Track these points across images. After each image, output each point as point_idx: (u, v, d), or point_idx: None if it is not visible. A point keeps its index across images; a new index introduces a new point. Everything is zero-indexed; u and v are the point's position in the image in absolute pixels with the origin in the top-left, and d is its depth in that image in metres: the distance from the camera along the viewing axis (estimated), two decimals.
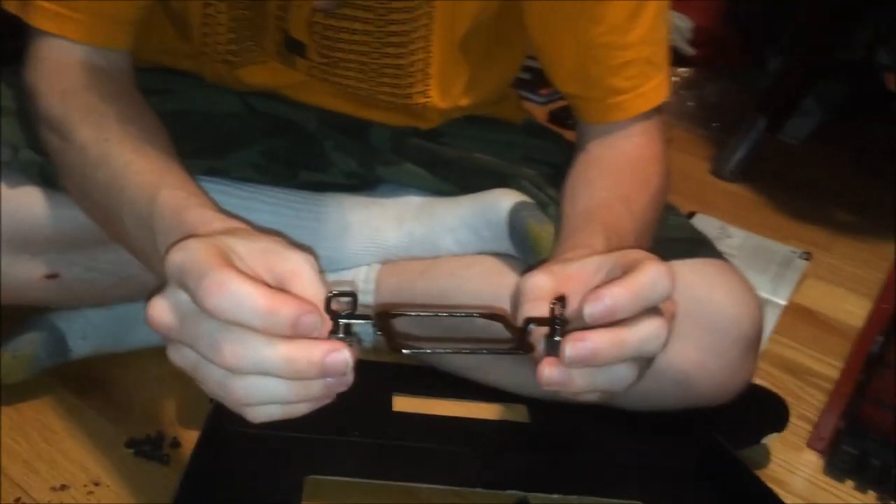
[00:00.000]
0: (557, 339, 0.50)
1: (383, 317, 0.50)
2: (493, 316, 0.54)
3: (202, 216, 0.53)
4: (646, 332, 0.51)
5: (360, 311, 0.48)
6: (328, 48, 0.77)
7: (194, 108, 0.82)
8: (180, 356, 0.47)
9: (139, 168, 0.60)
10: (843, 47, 1.67)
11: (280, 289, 0.47)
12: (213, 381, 0.46)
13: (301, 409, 0.47)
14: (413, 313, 0.60)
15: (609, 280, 0.51)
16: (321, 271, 0.49)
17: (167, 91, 0.81)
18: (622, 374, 0.52)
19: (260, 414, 0.47)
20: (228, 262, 0.46)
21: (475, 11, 0.77)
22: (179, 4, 0.77)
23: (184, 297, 0.46)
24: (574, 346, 0.49)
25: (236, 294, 0.44)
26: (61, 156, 0.66)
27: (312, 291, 0.47)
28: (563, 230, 0.71)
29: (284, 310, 0.44)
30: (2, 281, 0.72)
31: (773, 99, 1.52)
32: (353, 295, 0.48)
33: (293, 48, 0.78)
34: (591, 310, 0.49)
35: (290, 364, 0.45)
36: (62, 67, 0.68)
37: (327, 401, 0.48)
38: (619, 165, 0.76)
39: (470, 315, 0.52)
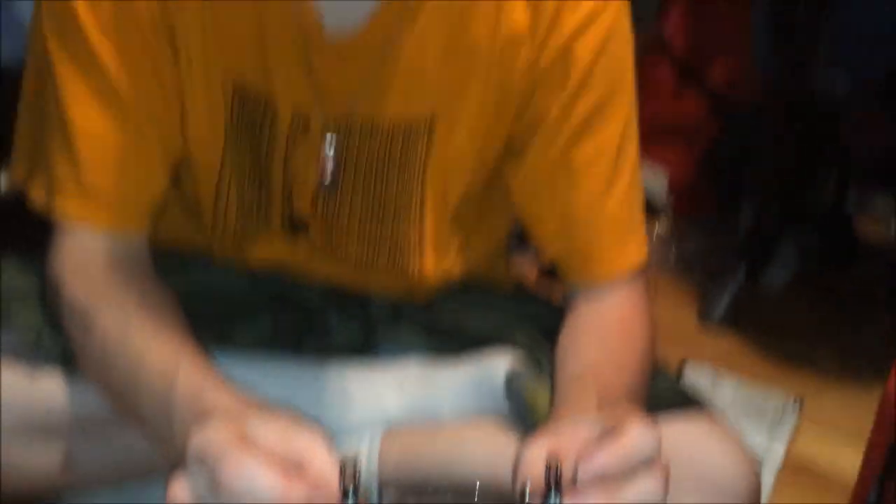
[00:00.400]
0: (556, 502, 0.53)
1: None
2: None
3: (218, 398, 0.56)
4: (642, 488, 0.53)
5: (366, 478, 0.51)
6: (330, 224, 0.82)
7: (203, 287, 0.86)
8: None
9: (156, 354, 0.63)
10: (813, 196, 1.75)
11: (297, 464, 0.49)
12: None
13: None
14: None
15: (599, 442, 0.54)
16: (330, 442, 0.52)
17: (177, 271, 0.85)
18: None
19: None
20: (246, 442, 0.48)
21: (466, 183, 0.83)
22: (192, 188, 0.82)
23: (204, 476, 0.48)
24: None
25: (252, 476, 0.46)
26: (83, 344, 0.70)
27: (327, 468, 0.50)
28: (557, 396, 0.74)
29: (297, 492, 0.46)
30: (17, 468, 0.73)
31: (751, 248, 1.58)
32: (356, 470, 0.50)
33: (297, 225, 0.83)
34: (583, 474, 0.52)
35: None
36: (85, 257, 0.73)
37: None
38: (607, 327, 0.80)
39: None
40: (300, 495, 0.47)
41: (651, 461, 0.54)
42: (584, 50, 0.76)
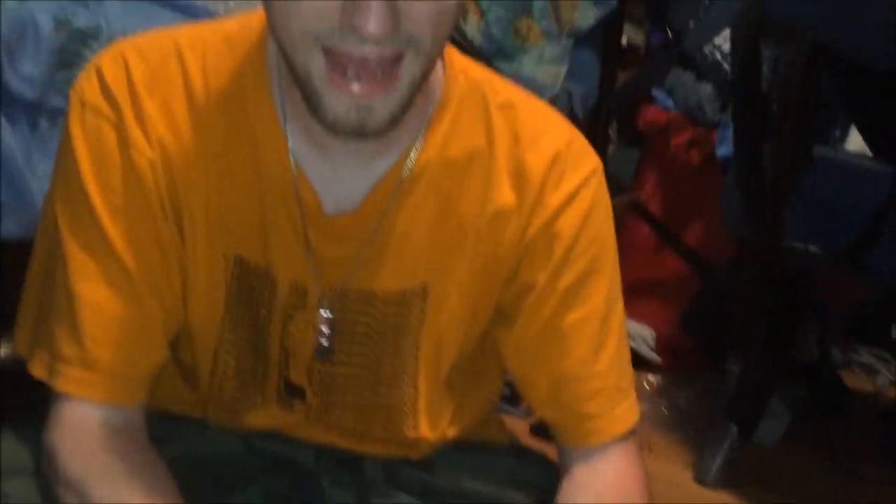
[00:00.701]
0: None
1: None
2: None
3: None
4: None
5: None
6: (325, 391, 0.83)
7: (198, 453, 0.85)
8: None
9: None
10: (798, 349, 1.77)
11: None
12: None
13: None
14: None
15: None
16: None
17: (172, 439, 0.84)
18: None
19: None
20: None
21: (458, 348, 0.84)
22: (189, 356, 0.84)
23: None
24: None
25: None
26: None
27: None
28: None
29: None
30: None
31: (740, 406, 1.59)
32: None
33: (293, 393, 0.83)
34: None
35: None
36: (82, 429, 0.73)
37: None
38: (603, 491, 0.80)
39: None
40: None
41: None
42: (568, 225, 0.79)
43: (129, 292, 0.74)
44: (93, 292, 0.73)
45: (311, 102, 0.67)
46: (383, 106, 0.66)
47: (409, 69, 0.66)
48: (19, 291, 0.80)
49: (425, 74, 0.69)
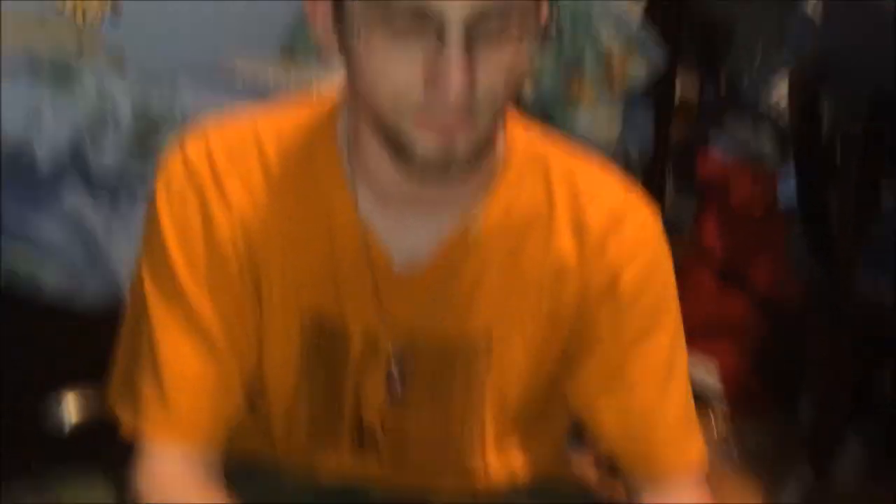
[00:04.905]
0: None
1: None
2: None
3: None
4: None
5: None
6: (397, 440, 0.86)
7: (270, 499, 0.88)
8: None
9: None
10: (873, 387, 1.73)
11: None
12: None
13: None
14: None
15: None
16: None
17: (245, 482, 0.87)
18: None
19: None
20: None
21: (523, 395, 0.87)
22: (265, 407, 0.88)
23: None
24: None
25: None
26: None
27: None
28: None
29: None
30: None
31: (815, 445, 1.55)
32: None
33: (366, 442, 0.87)
34: None
35: None
36: (164, 476, 0.78)
37: None
38: None
39: None
40: None
41: None
42: (630, 278, 0.82)
43: (208, 349, 0.79)
44: (175, 349, 0.79)
45: (399, 144, 0.71)
46: (466, 140, 0.70)
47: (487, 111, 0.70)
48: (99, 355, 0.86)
49: (501, 113, 0.74)
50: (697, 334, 1.98)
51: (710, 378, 1.96)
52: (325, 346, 0.84)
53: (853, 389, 1.62)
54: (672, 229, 0.88)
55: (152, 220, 0.81)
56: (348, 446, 0.88)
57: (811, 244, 1.69)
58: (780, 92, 2.17)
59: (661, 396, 0.84)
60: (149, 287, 0.80)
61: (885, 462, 1.74)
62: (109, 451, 0.83)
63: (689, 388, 0.87)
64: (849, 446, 1.69)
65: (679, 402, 0.85)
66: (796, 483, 1.51)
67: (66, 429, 0.96)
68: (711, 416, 1.87)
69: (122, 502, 0.83)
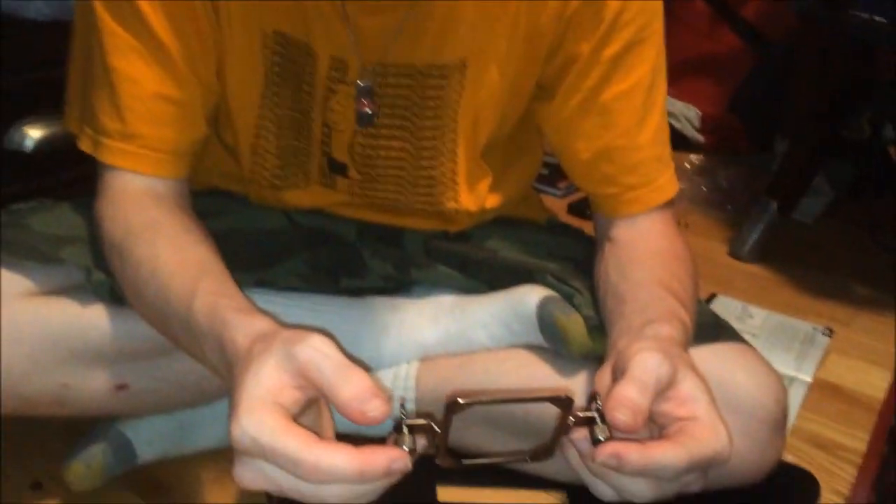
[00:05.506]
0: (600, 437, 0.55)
1: (454, 407, 0.53)
2: (560, 399, 0.55)
3: (232, 323, 0.58)
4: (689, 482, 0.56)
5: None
6: (368, 166, 0.85)
7: (242, 227, 0.89)
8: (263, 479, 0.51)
9: (180, 279, 0.66)
10: (849, 126, 1.73)
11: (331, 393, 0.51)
12: (309, 494, 0.51)
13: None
14: (484, 399, 0.58)
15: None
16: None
17: (218, 213, 0.88)
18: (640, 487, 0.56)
19: None
20: (285, 416, 0.50)
21: (497, 122, 0.85)
22: (231, 136, 0.85)
23: (268, 466, 0.50)
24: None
25: (332, 470, 0.49)
26: (121, 274, 0.73)
27: (352, 381, 0.51)
28: (627, 304, 0.74)
29: (374, 468, 0.49)
30: (74, 394, 0.78)
31: (783, 182, 1.58)
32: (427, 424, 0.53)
33: (335, 169, 0.86)
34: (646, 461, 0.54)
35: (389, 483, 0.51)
36: (126, 195, 0.76)
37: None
38: (655, 250, 0.82)
39: (539, 400, 0.55)
40: (379, 471, 0.49)
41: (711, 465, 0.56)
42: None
43: (164, 66, 0.75)
44: (130, 67, 0.74)
45: None
46: None
47: None
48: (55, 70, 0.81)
49: None
50: (681, 70, 1.94)
51: (691, 125, 1.95)
52: (290, 68, 0.79)
53: (828, 131, 1.61)
54: None
55: None
56: (318, 178, 0.87)
57: None
58: None
59: (638, 123, 0.81)
60: (99, 5, 0.74)
61: (848, 206, 1.78)
62: (73, 178, 0.80)
63: (667, 121, 0.85)
64: (817, 184, 1.72)
65: (654, 131, 0.83)
66: (759, 216, 1.55)
67: (28, 150, 0.93)
68: (686, 160, 1.87)
69: (89, 230, 0.81)
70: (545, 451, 0.57)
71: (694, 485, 0.57)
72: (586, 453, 0.56)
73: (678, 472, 0.55)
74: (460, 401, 0.53)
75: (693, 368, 0.61)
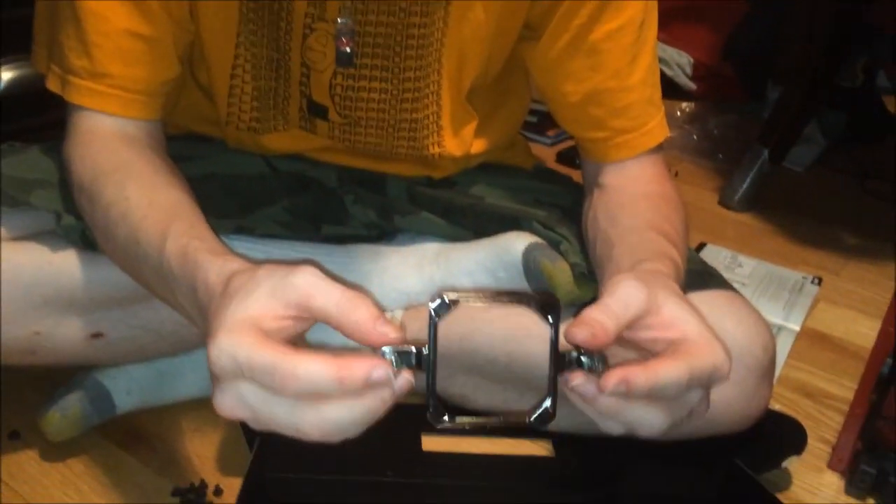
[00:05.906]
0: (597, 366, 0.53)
1: (445, 306, 0.50)
2: (548, 303, 0.53)
3: (204, 265, 0.55)
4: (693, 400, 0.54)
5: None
6: (348, 108, 0.82)
7: (220, 172, 0.87)
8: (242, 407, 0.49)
9: (151, 221, 0.64)
10: (842, 74, 1.71)
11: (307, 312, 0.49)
12: (284, 421, 0.48)
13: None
14: (473, 297, 0.54)
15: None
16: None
17: (194, 157, 0.86)
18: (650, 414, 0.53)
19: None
20: (265, 335, 0.48)
21: (480, 65, 0.82)
22: (206, 77, 0.82)
23: (245, 387, 0.48)
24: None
25: (309, 377, 0.46)
26: (91, 218, 0.71)
27: (331, 298, 0.49)
28: (616, 250, 0.72)
29: (354, 375, 0.46)
30: (47, 342, 0.77)
31: (775, 130, 1.55)
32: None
33: (315, 111, 0.83)
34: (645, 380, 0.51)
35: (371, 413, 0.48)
36: (96, 137, 0.73)
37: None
38: (645, 194, 0.80)
39: (529, 298, 0.51)
40: (359, 378, 0.46)
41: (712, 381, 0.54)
42: None
43: (134, 1, 0.71)
44: (97, 2, 0.71)
45: None
46: None
47: None
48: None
49: None
50: (673, 16, 1.91)
51: (683, 72, 1.92)
52: (266, 4, 0.76)
53: (821, 79, 1.59)
54: None
55: None
56: (298, 121, 0.84)
57: None
58: None
59: (628, 64, 0.79)
60: None
61: (840, 154, 1.77)
62: (45, 122, 0.78)
63: (657, 63, 0.82)
64: (809, 131, 1.70)
65: (645, 72, 0.80)
66: (750, 165, 1.53)
67: None
68: (678, 107, 1.84)
69: (59, 173, 0.79)
70: (547, 415, 0.54)
71: (700, 406, 0.55)
72: (591, 396, 0.54)
73: (681, 389, 0.53)
74: (447, 298, 0.50)
75: (677, 294, 0.59)
